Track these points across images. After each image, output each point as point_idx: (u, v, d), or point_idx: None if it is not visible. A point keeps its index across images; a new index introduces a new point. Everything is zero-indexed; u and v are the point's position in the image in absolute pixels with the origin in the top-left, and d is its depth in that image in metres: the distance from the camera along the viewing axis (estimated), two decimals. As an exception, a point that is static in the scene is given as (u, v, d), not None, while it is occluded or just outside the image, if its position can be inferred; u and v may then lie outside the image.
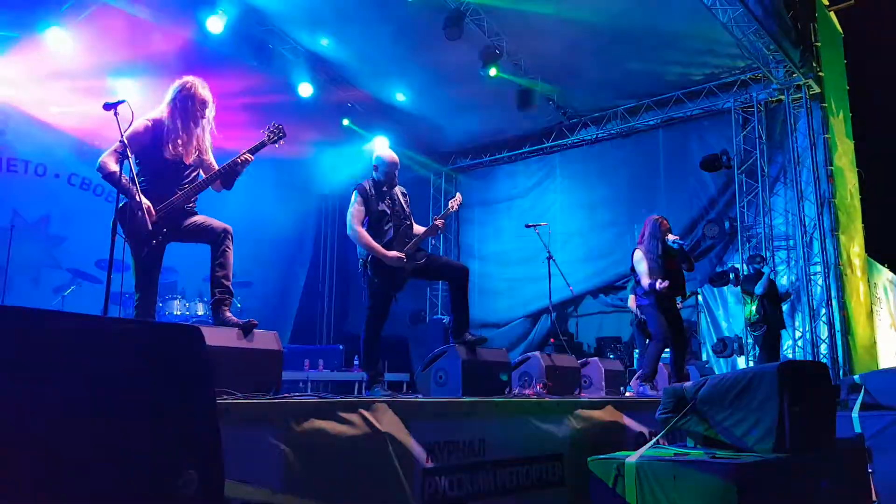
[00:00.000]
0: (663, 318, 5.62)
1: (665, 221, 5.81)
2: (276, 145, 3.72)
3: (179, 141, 3.56)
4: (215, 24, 7.70)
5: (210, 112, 3.68)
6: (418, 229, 4.41)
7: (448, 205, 4.57)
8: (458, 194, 4.67)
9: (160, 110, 3.60)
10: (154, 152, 3.50)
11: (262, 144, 3.67)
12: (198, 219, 3.58)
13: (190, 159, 3.61)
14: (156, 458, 1.00)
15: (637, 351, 8.53)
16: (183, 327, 1.23)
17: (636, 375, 6.42)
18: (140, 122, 3.45)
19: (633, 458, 2.85)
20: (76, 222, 7.92)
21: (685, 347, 6.22)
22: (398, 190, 4.42)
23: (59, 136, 7.78)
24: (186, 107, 3.58)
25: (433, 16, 7.79)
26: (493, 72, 8.47)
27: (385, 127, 10.30)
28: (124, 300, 4.81)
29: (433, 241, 11.62)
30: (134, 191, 3.33)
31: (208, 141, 3.72)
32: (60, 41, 7.17)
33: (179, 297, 7.25)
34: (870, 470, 3.88)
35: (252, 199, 10.42)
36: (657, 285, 5.27)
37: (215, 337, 3.04)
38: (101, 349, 1.02)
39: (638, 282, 5.81)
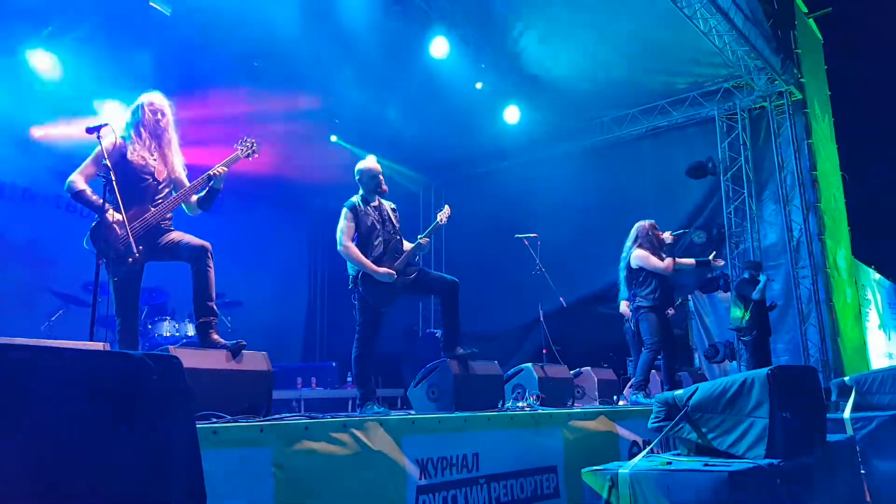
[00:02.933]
0: (657, 324, 5.66)
1: (656, 226, 5.90)
2: (250, 159, 3.72)
3: (147, 157, 3.55)
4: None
5: (174, 125, 3.67)
6: (408, 245, 4.41)
7: (437, 218, 4.58)
8: (446, 207, 4.67)
9: (124, 128, 3.61)
10: (124, 170, 3.47)
11: (236, 158, 3.67)
12: (174, 236, 3.55)
13: (161, 175, 3.60)
14: (134, 494, 0.98)
15: (631, 359, 8.55)
16: (159, 358, 1.22)
17: (629, 384, 6.44)
18: (107, 142, 3.43)
19: (626, 468, 2.85)
20: (63, 245, 7.85)
21: (677, 354, 6.26)
22: (388, 206, 4.44)
23: (44, 159, 7.73)
24: (149, 122, 3.59)
25: (418, 31, 7.84)
26: (478, 85, 8.53)
27: (373, 142, 10.32)
28: (112, 323, 4.77)
29: (422, 255, 11.60)
30: (107, 208, 3.30)
31: (178, 157, 3.71)
32: (44, 63, 7.15)
33: (169, 318, 7.17)
34: (862, 471, 3.90)
35: (241, 216, 10.44)
36: (671, 263, 5.50)
37: (203, 360, 3.03)
38: (69, 383, 1.01)
39: (633, 288, 5.84)
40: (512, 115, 9.54)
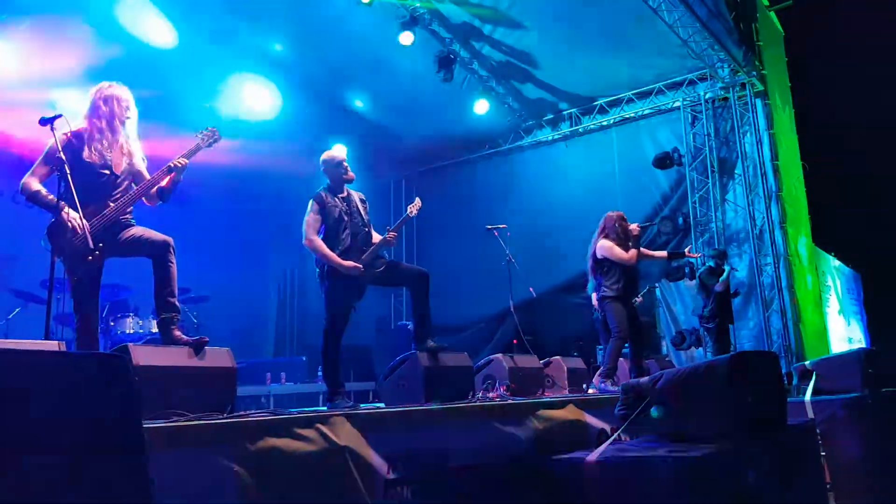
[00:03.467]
0: (623, 313, 5.73)
1: (625, 218, 5.98)
2: (211, 148, 3.65)
3: (104, 150, 3.45)
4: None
5: (132, 116, 3.57)
6: (377, 237, 4.37)
7: (407, 210, 4.55)
8: (416, 199, 4.64)
9: (80, 121, 3.49)
10: (80, 165, 3.36)
11: (197, 148, 3.60)
12: (135, 231, 3.46)
13: (120, 169, 3.50)
14: (77, 498, 0.95)
15: (600, 348, 8.65)
16: (104, 358, 1.18)
17: (598, 373, 6.51)
18: (60, 136, 3.31)
19: (593, 456, 2.87)
20: (21, 242, 7.62)
21: (643, 342, 6.35)
22: (356, 197, 4.38)
23: (1, 153, 7.49)
24: (105, 113, 3.48)
25: (388, 22, 7.79)
26: (447, 76, 8.50)
27: (342, 134, 10.22)
28: (70, 320, 4.66)
29: (394, 247, 11.57)
30: (62, 206, 3.20)
31: (137, 148, 3.61)
32: (-1, 54, 6.92)
33: (132, 314, 7.01)
34: (823, 454, 4.00)
35: (208, 209, 10.25)
36: (634, 254, 5.65)
37: (164, 357, 2.97)
38: (10, 386, 0.97)
39: (599, 278, 5.90)
40: (481, 106, 9.54)
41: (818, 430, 4.04)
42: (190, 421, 2.45)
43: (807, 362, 4.86)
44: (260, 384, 7.70)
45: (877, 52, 13.10)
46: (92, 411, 0.97)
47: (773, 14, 10.27)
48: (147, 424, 2.44)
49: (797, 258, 9.35)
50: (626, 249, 5.81)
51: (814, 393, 4.38)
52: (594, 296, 6.78)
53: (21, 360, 1.01)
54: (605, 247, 5.81)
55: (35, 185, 3.32)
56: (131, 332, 6.94)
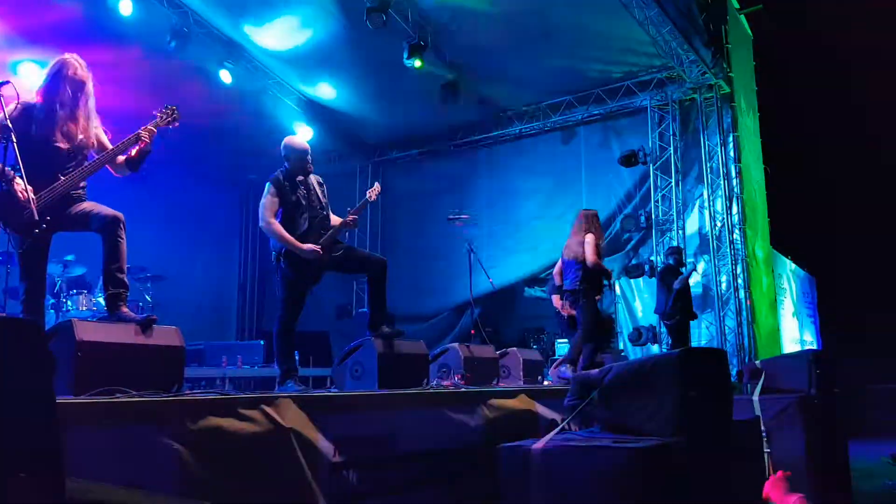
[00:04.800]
0: (595, 310, 5.88)
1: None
2: (170, 127, 3.58)
3: (59, 123, 3.38)
4: (125, 7, 7.34)
5: (89, 91, 3.49)
6: (335, 220, 4.34)
7: (366, 195, 4.53)
8: (376, 184, 4.63)
9: (35, 93, 3.42)
10: (30, 137, 3.29)
11: (155, 126, 3.54)
12: (85, 206, 3.40)
13: (73, 143, 3.42)
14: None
15: (560, 341, 8.76)
16: (13, 321, 1.15)
17: (555, 364, 6.60)
18: (12, 107, 3.26)
19: (539, 444, 2.90)
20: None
21: (607, 337, 6.50)
22: (314, 179, 4.33)
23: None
24: (61, 87, 3.40)
25: (359, 6, 7.69)
26: (417, 63, 8.44)
27: (309, 118, 10.11)
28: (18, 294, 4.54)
29: (357, 233, 11.52)
30: (11, 176, 3.13)
31: (94, 124, 3.54)
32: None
33: (86, 292, 6.86)
34: (767, 450, 4.12)
35: (169, 189, 10.06)
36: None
37: (109, 333, 2.91)
38: None
39: (577, 272, 5.94)
40: (449, 96, 9.49)
41: (764, 427, 4.16)
42: (131, 398, 2.41)
43: (757, 361, 4.99)
44: (216, 366, 7.61)
45: (845, 56, 13.43)
46: (4, 375, 0.94)
47: (742, 17, 10.43)
48: (87, 400, 2.40)
49: (754, 260, 9.58)
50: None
51: (763, 391, 4.48)
52: (555, 297, 6.89)
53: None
54: (592, 243, 5.92)
55: None
56: (84, 309, 6.79)
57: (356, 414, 3.02)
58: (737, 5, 10.14)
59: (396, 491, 3.09)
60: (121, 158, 3.51)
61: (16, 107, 3.30)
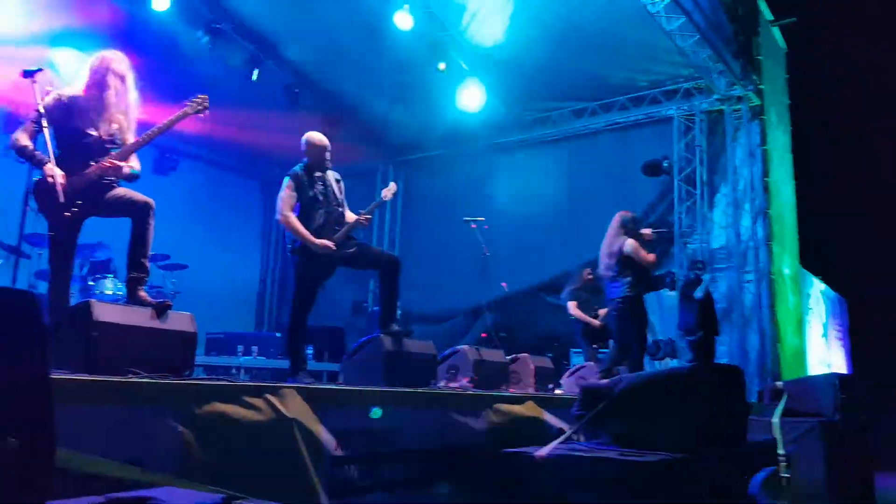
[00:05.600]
0: (640, 323, 5.77)
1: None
2: (200, 116, 3.66)
3: (94, 116, 3.50)
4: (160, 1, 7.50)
5: (130, 86, 3.62)
6: (350, 217, 4.38)
7: (381, 194, 4.56)
8: (392, 184, 4.67)
9: (78, 85, 3.56)
10: (68, 126, 3.44)
11: (185, 115, 3.62)
12: (118, 191, 3.52)
13: (107, 134, 3.54)
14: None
15: (575, 350, 8.69)
16: (12, 292, 1.19)
17: (568, 372, 6.56)
18: (53, 96, 3.42)
19: (542, 451, 2.89)
20: (10, 195, 7.56)
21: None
22: (332, 176, 4.39)
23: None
24: (102, 82, 3.53)
25: (383, 5, 7.75)
26: (441, 66, 8.45)
27: (333, 116, 10.19)
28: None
29: (375, 232, 11.59)
30: (47, 162, 3.25)
31: (131, 116, 3.65)
32: (-2, 8, 6.87)
33: (112, 276, 6.98)
34: (786, 475, 4.02)
35: (196, 180, 10.23)
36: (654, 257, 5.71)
37: (126, 315, 2.99)
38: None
39: (617, 277, 5.82)
40: (473, 99, 9.45)
41: (785, 450, 4.07)
42: (140, 378, 2.47)
43: (779, 382, 4.87)
44: (232, 355, 7.71)
45: (880, 70, 13.10)
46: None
47: (776, 30, 10.24)
48: (98, 378, 2.46)
49: (781, 277, 9.38)
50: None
51: (785, 414, 4.38)
52: (571, 304, 6.79)
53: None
54: (634, 246, 5.80)
55: (24, 139, 3.38)
56: (110, 293, 6.89)
57: (359, 409, 3.05)
58: (770, 17, 9.95)
59: (397, 487, 3.11)
60: (126, 170, 3.57)
61: (54, 96, 3.44)
